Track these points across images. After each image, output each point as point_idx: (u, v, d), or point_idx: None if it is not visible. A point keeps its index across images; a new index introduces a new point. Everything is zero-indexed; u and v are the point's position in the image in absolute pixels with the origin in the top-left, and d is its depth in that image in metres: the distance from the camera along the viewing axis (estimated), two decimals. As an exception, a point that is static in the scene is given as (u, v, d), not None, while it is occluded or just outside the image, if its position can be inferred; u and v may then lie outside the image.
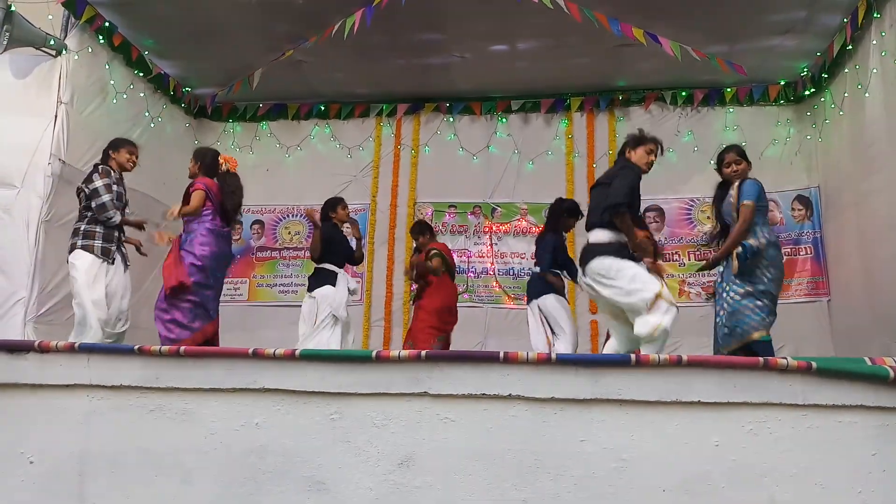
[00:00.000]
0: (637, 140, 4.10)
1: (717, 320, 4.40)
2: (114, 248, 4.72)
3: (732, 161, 4.52)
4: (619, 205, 3.80)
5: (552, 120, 7.59)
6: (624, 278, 3.77)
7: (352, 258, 5.74)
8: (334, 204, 5.74)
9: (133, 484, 3.16)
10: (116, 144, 4.91)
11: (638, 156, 4.04)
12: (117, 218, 4.70)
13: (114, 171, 4.80)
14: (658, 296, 3.69)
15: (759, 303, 4.17)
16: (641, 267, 3.81)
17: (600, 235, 3.91)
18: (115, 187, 4.73)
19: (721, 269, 4.45)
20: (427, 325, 5.77)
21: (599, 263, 3.84)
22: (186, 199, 4.78)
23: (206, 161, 4.96)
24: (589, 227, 4.04)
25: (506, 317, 7.25)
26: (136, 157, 4.98)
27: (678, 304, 3.83)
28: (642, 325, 3.68)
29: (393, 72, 7.06)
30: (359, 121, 7.81)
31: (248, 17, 6.00)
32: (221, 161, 4.97)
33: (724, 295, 4.32)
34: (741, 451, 2.83)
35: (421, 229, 6.25)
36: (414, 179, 7.66)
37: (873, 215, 5.58)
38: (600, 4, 5.48)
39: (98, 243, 4.64)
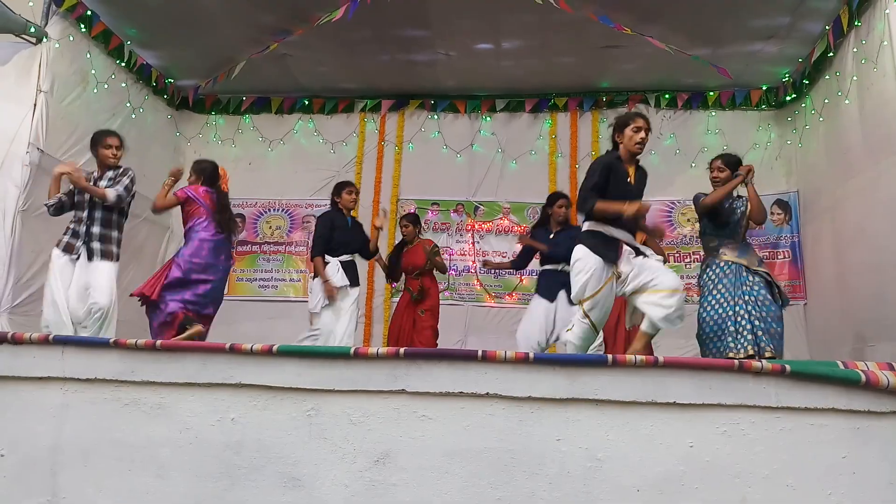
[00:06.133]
0: (622, 122, 3.98)
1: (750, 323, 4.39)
2: (78, 242, 4.58)
3: (716, 167, 4.73)
4: (582, 203, 3.88)
5: (536, 119, 7.60)
6: (574, 269, 3.90)
7: (351, 246, 5.46)
8: (339, 188, 5.50)
9: (106, 478, 3.14)
10: (96, 140, 4.82)
11: (626, 138, 3.92)
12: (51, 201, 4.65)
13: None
14: (580, 301, 3.88)
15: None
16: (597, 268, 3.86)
17: (584, 225, 4.01)
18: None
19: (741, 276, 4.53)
20: (431, 328, 5.75)
21: (574, 251, 3.96)
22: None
23: (207, 174, 4.95)
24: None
25: (486, 315, 7.26)
26: (118, 149, 4.80)
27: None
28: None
29: (378, 67, 7.03)
30: (343, 116, 7.77)
31: (233, 8, 5.93)
32: (221, 173, 4.98)
33: (761, 309, 4.41)
34: (715, 451, 2.86)
35: (412, 220, 6.13)
36: (397, 176, 7.65)
37: (848, 221, 5.65)
38: (586, 5, 5.49)
39: (64, 238, 4.61)
